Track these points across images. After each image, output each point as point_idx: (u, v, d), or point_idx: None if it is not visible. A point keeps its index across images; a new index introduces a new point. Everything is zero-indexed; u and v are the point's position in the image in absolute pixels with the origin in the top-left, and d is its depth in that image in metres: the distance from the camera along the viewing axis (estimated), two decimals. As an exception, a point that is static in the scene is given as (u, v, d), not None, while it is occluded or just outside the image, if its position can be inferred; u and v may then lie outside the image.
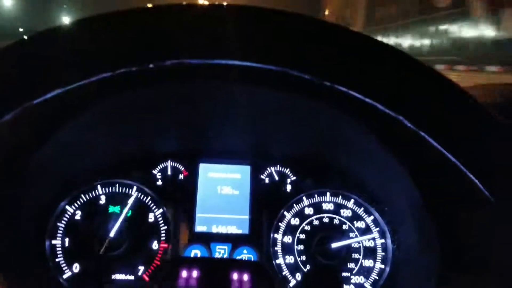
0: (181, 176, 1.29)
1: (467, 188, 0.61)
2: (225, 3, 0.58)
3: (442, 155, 0.60)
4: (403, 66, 0.59)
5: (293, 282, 1.19)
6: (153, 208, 1.23)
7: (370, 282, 1.20)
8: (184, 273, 0.81)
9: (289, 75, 0.60)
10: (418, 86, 0.60)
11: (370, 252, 1.21)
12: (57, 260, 1.16)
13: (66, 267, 1.16)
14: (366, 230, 1.23)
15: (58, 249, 1.16)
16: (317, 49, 0.59)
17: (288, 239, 1.23)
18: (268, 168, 1.31)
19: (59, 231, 1.17)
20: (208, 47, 0.59)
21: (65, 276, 1.15)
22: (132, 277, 1.17)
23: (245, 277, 0.82)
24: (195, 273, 0.81)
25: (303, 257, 1.21)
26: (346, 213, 1.25)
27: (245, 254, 1.22)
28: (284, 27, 0.59)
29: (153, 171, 1.28)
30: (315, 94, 0.86)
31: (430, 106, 0.59)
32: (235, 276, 0.82)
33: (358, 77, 0.60)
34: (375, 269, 1.20)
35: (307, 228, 1.24)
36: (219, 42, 0.59)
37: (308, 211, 1.26)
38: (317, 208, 1.26)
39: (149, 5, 0.59)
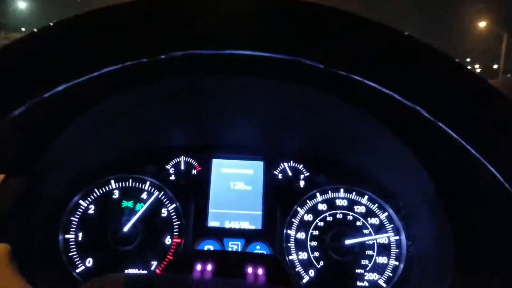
0: (194, 171, 1.29)
1: (487, 183, 0.59)
2: None
3: (461, 148, 0.58)
4: (420, 54, 0.58)
5: (306, 278, 1.19)
6: (166, 203, 1.23)
7: (384, 279, 1.19)
8: (198, 266, 0.80)
9: (303, 65, 0.59)
10: (436, 75, 0.58)
11: (384, 249, 1.21)
12: (70, 254, 1.16)
13: (79, 261, 1.16)
14: (380, 227, 1.22)
15: (71, 243, 1.17)
16: (331, 38, 0.58)
17: (301, 235, 1.22)
18: (281, 164, 1.30)
19: (72, 226, 1.18)
20: (219, 37, 0.59)
21: (78, 270, 1.15)
22: (145, 272, 1.17)
23: (260, 270, 0.81)
24: (209, 266, 0.80)
25: (316, 253, 1.21)
26: (360, 209, 1.24)
27: (258, 250, 1.22)
28: (297, 16, 0.58)
29: (166, 166, 1.28)
30: (329, 85, 0.86)
31: (449, 96, 0.58)
32: (250, 269, 0.81)
33: (374, 67, 0.59)
34: (389, 266, 1.19)
35: (321, 224, 1.23)
36: (229, 32, 0.59)
37: (322, 207, 1.25)
38: (331, 204, 1.25)
39: None
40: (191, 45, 0.59)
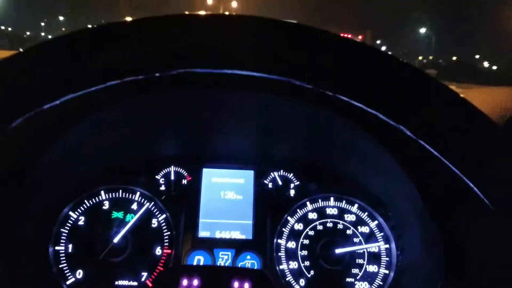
0: (184, 181, 1.29)
1: (468, 196, 0.60)
2: (227, 13, 0.58)
3: (442, 164, 0.60)
4: (403, 75, 0.59)
5: None
6: (156, 213, 1.23)
7: (374, 288, 1.19)
8: (185, 282, 0.81)
9: (292, 85, 0.60)
10: (418, 95, 0.59)
11: (374, 258, 1.21)
12: (60, 266, 1.16)
13: (69, 273, 1.16)
14: (370, 235, 1.23)
15: (61, 255, 1.16)
16: (319, 58, 0.59)
17: (291, 244, 1.23)
18: (271, 173, 1.31)
19: (62, 237, 1.17)
20: (213, 57, 0.59)
21: (68, 282, 1.15)
22: (135, 283, 1.16)
23: (246, 285, 0.81)
24: (196, 282, 0.81)
25: (307, 263, 1.21)
26: (350, 218, 1.25)
27: (249, 260, 1.22)
28: (288, 38, 0.59)
29: (156, 177, 1.28)
30: (318, 102, 0.86)
31: (430, 115, 0.59)
32: (236, 284, 0.81)
33: (359, 88, 0.60)
34: (379, 274, 1.20)
35: (311, 233, 1.24)
36: (223, 53, 0.60)
37: (312, 216, 1.25)
38: (321, 213, 1.25)
39: (156, 16, 0.59)
40: (185, 64, 0.60)
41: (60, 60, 0.57)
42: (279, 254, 1.22)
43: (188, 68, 0.60)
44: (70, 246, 1.17)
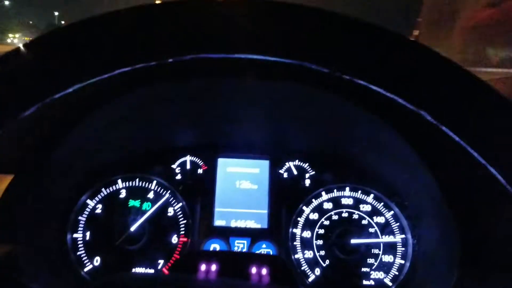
0: (200, 171, 1.30)
1: (489, 183, 0.59)
2: None
3: (463, 150, 0.59)
4: (424, 58, 0.58)
5: (312, 277, 1.19)
6: (172, 202, 1.24)
7: (390, 278, 1.19)
8: (203, 267, 0.81)
9: (308, 69, 0.60)
10: (440, 80, 0.59)
11: (390, 248, 1.21)
12: (78, 253, 1.18)
13: (87, 260, 1.17)
14: (386, 225, 1.22)
15: (79, 242, 1.18)
16: (335, 43, 0.59)
17: (307, 234, 1.23)
18: (286, 163, 1.31)
19: (80, 225, 1.19)
20: (226, 41, 0.59)
21: (86, 269, 1.17)
22: (152, 270, 1.18)
23: (264, 271, 0.82)
24: (214, 267, 0.81)
25: (322, 252, 1.21)
26: (365, 208, 1.24)
27: (264, 249, 1.22)
28: (302, 21, 0.59)
29: (172, 166, 1.29)
30: (335, 88, 0.86)
31: (452, 100, 0.58)
32: (254, 269, 0.81)
33: (377, 72, 0.59)
34: (395, 264, 1.19)
35: (326, 223, 1.24)
36: (237, 37, 0.59)
37: (327, 206, 1.25)
38: (336, 203, 1.25)
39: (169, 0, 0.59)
40: (199, 49, 0.60)
41: (71, 48, 0.58)
42: (294, 243, 1.22)
43: (199, 53, 0.60)
44: (88, 233, 1.19)
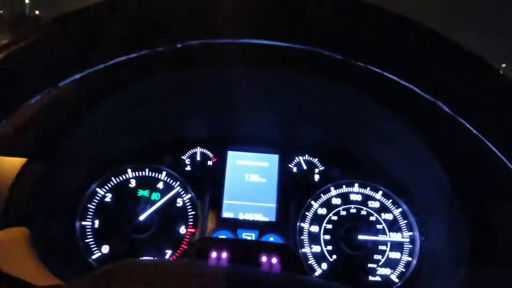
0: (209, 163, 1.30)
1: (506, 179, 0.59)
2: None
3: (480, 143, 0.58)
4: (439, 47, 0.58)
5: (318, 271, 1.19)
6: (181, 193, 1.25)
7: (397, 274, 1.19)
8: (214, 254, 0.81)
9: (321, 56, 0.59)
10: (459, 69, 0.58)
11: (397, 244, 1.21)
12: (86, 240, 1.18)
13: (95, 248, 1.18)
14: (394, 222, 1.22)
15: (88, 230, 1.19)
16: (350, 29, 0.58)
17: (314, 228, 1.23)
18: (296, 157, 1.31)
19: (89, 213, 1.20)
20: (236, 26, 0.59)
21: (94, 257, 1.17)
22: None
23: (274, 259, 0.82)
24: (224, 254, 0.81)
25: (329, 247, 1.21)
26: (373, 204, 1.25)
27: (271, 242, 1.22)
28: (315, 7, 0.58)
29: (182, 157, 1.29)
30: (347, 78, 0.86)
31: (471, 92, 0.58)
32: (264, 258, 0.82)
33: (394, 59, 0.58)
34: (401, 261, 1.20)
35: (334, 218, 1.24)
36: (247, 21, 0.59)
37: (336, 201, 1.25)
38: (345, 198, 1.26)
39: None
40: (207, 34, 0.59)
41: (77, 35, 0.57)
42: (302, 237, 1.22)
43: (208, 38, 0.59)
44: (97, 221, 1.20)
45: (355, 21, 0.58)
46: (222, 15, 0.58)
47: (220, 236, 1.21)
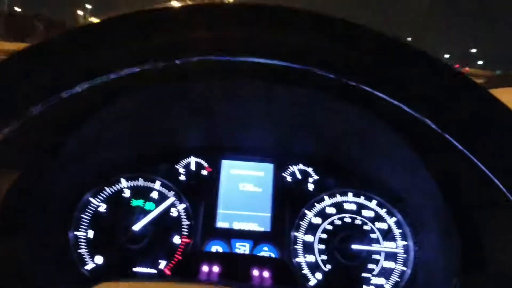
0: (204, 172, 1.30)
1: (491, 191, 0.60)
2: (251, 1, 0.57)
3: (466, 158, 0.59)
4: (429, 67, 0.58)
5: (313, 281, 1.19)
6: (176, 202, 1.24)
7: (391, 284, 1.19)
8: (205, 268, 0.81)
9: (314, 74, 0.60)
10: (445, 89, 0.59)
11: (391, 254, 1.21)
12: (80, 251, 1.18)
13: (89, 259, 1.17)
14: (388, 232, 1.23)
15: (81, 240, 1.18)
16: (342, 49, 0.59)
17: (309, 237, 1.23)
18: (290, 167, 1.31)
19: (82, 223, 1.19)
20: (233, 45, 0.59)
21: (87, 268, 1.17)
22: (154, 271, 1.18)
23: (266, 273, 0.82)
24: (216, 268, 0.81)
25: (324, 257, 1.21)
26: (368, 213, 1.25)
27: (266, 252, 1.22)
28: (310, 28, 0.59)
29: (176, 166, 1.29)
30: (341, 93, 0.86)
31: (456, 109, 0.58)
32: (256, 272, 0.82)
33: (384, 79, 0.59)
34: (395, 270, 1.20)
35: (329, 227, 1.24)
36: (243, 41, 0.59)
37: (330, 210, 1.25)
38: (339, 207, 1.26)
39: (178, 4, 0.59)
40: (206, 52, 0.60)
41: (80, 47, 0.58)
42: (296, 246, 1.22)
43: (207, 55, 0.60)
44: (91, 232, 1.19)
45: (347, 43, 0.58)
46: (221, 34, 0.59)
47: (213, 247, 1.21)
